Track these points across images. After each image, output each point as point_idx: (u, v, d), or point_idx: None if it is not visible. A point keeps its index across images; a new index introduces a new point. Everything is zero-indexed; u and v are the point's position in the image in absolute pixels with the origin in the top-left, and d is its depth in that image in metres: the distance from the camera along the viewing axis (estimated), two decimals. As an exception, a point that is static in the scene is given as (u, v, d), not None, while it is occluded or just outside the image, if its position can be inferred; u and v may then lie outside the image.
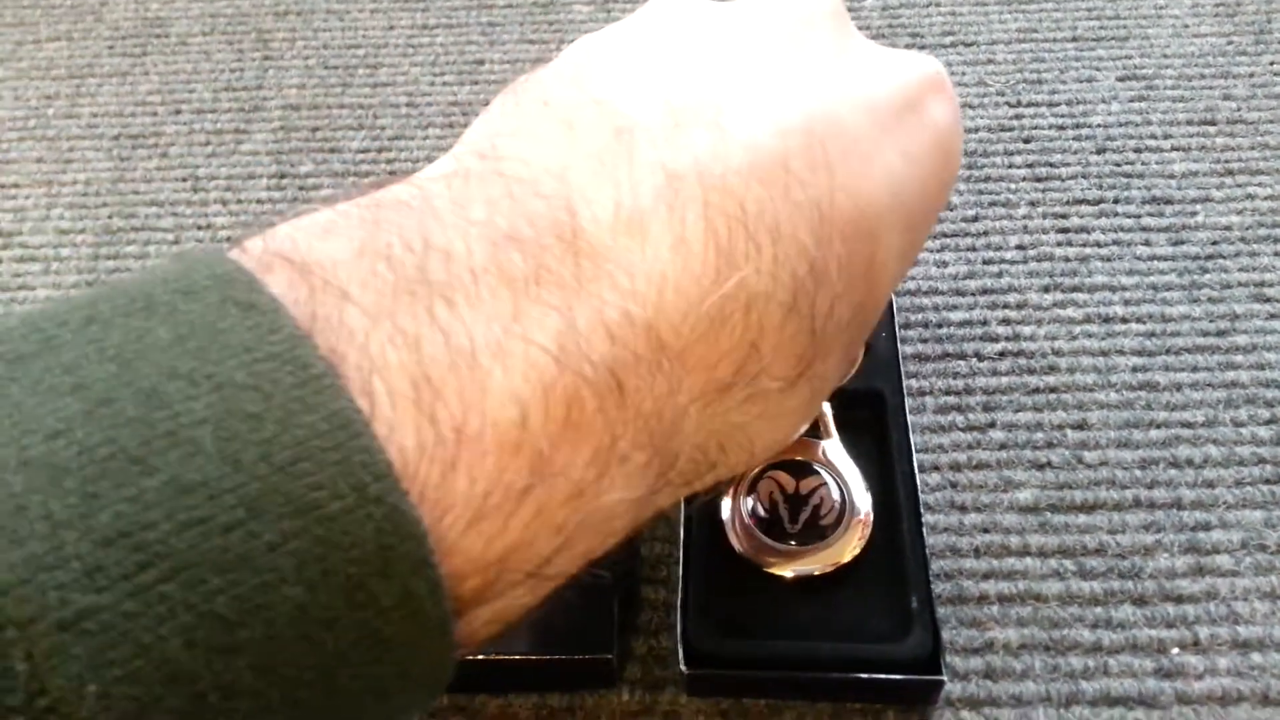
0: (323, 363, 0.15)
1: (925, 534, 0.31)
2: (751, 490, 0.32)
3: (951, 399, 0.37)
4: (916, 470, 0.32)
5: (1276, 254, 0.41)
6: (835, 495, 0.32)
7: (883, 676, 0.29)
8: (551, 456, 0.17)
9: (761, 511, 0.32)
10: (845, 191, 0.20)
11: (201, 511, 0.14)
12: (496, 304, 0.17)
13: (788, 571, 0.31)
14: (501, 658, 0.30)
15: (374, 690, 0.16)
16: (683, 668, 0.29)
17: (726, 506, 0.32)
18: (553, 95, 0.20)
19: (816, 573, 0.31)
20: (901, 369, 0.35)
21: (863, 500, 0.32)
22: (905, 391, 0.34)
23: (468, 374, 0.16)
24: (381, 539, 0.15)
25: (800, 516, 0.32)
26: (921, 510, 0.32)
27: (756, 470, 0.33)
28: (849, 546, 0.31)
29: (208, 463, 0.14)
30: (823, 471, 0.32)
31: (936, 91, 0.23)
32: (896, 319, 0.37)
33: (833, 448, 0.33)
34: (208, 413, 0.14)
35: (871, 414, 0.34)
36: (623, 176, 0.19)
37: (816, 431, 0.33)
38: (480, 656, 0.29)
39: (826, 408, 0.34)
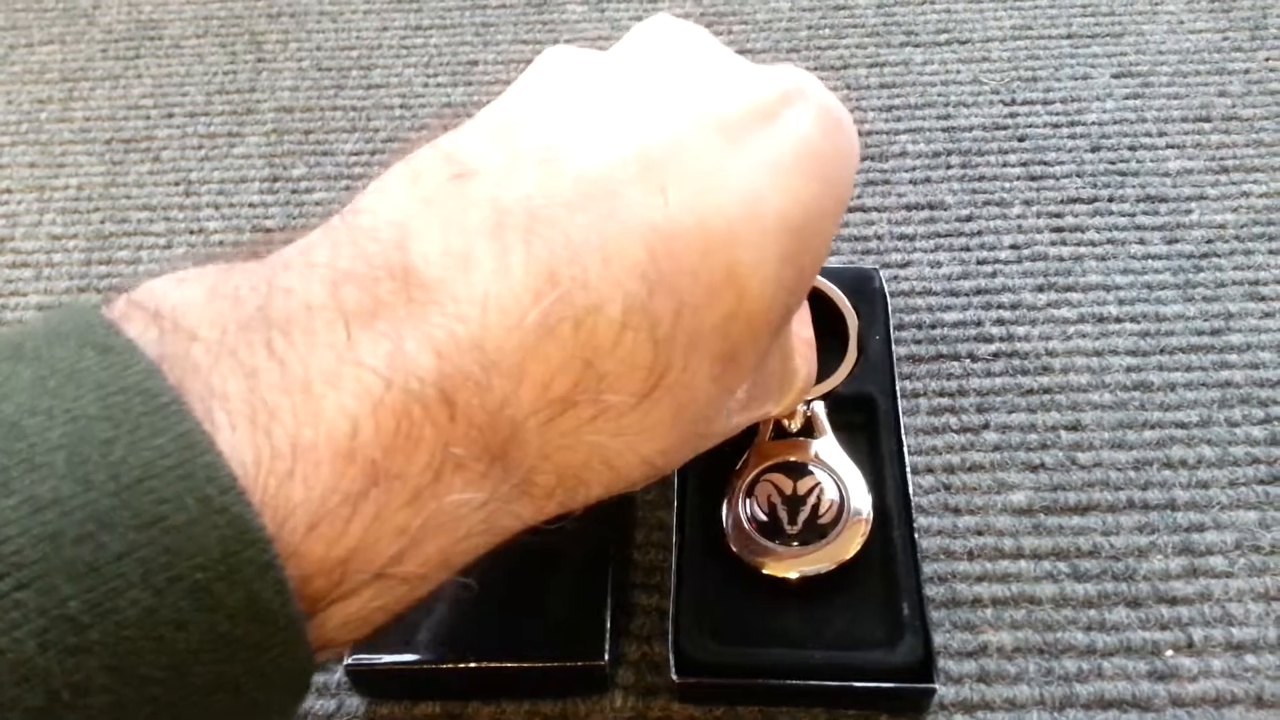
0: (170, 393, 0.17)
1: (918, 537, 0.31)
2: (750, 494, 0.32)
3: (945, 400, 0.37)
4: (909, 474, 0.32)
5: (1271, 252, 0.41)
6: (833, 493, 0.32)
7: (875, 685, 0.29)
8: (385, 465, 0.18)
9: (761, 515, 0.32)
10: (686, 207, 0.20)
11: (54, 526, 0.15)
12: (331, 334, 0.18)
13: (791, 573, 0.31)
14: (494, 665, 0.30)
15: (228, 687, 0.17)
16: (674, 676, 0.29)
17: (725, 513, 0.32)
18: (416, 155, 0.22)
19: (822, 571, 0.31)
20: (895, 373, 0.35)
21: (861, 496, 0.32)
22: (899, 395, 0.34)
23: (301, 397, 0.18)
24: (225, 545, 0.16)
25: (799, 517, 0.32)
26: (914, 514, 0.32)
27: (753, 474, 0.33)
28: (851, 543, 0.31)
29: (61, 483, 0.16)
30: (818, 471, 0.32)
31: (795, 100, 0.23)
32: (891, 321, 0.37)
33: (827, 446, 0.33)
34: (63, 440, 0.16)
35: (864, 418, 0.34)
36: (452, 216, 0.20)
37: (811, 431, 0.33)
38: (473, 664, 0.29)
39: (819, 406, 0.34)
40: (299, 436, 0.17)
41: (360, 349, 0.18)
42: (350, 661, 0.30)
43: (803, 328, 0.29)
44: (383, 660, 0.30)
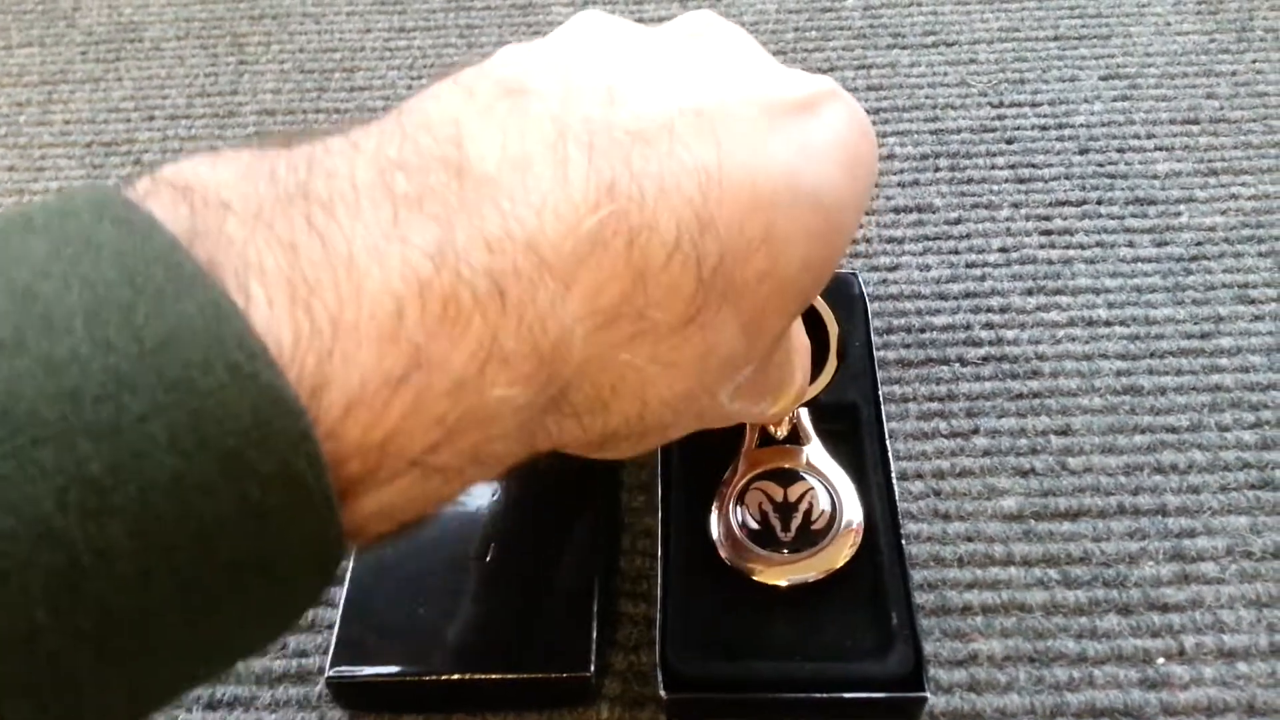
0: (194, 263, 0.16)
1: (907, 545, 0.31)
2: (740, 502, 0.32)
3: (935, 405, 0.37)
4: (895, 482, 0.32)
5: (1260, 255, 0.40)
6: (825, 500, 0.32)
7: (866, 695, 0.28)
8: (429, 349, 0.17)
9: (753, 523, 0.31)
10: (735, 162, 0.21)
11: (72, 385, 0.15)
12: (377, 213, 0.18)
13: (784, 580, 0.30)
14: (478, 676, 0.29)
15: (257, 564, 0.16)
16: (662, 693, 0.29)
17: (715, 521, 0.31)
18: (462, 76, 0.22)
19: (811, 579, 0.30)
20: (878, 379, 0.35)
21: (852, 503, 0.31)
22: (883, 401, 0.34)
23: (344, 273, 0.17)
24: (257, 414, 0.15)
25: (792, 524, 0.31)
26: (901, 522, 0.31)
27: (744, 481, 0.32)
28: (843, 550, 0.31)
29: (78, 343, 0.15)
30: (809, 477, 0.32)
31: (831, 99, 0.24)
32: (873, 324, 0.36)
33: (815, 452, 0.33)
34: (79, 304, 0.15)
35: (847, 425, 0.34)
36: (512, 125, 0.20)
37: (796, 438, 0.33)
38: (455, 676, 0.29)
39: (804, 413, 0.33)
40: (340, 315, 0.17)
41: (408, 229, 0.18)
42: (332, 674, 0.29)
43: (800, 333, 0.29)
44: (364, 672, 0.29)
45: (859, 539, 0.31)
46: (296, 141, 0.20)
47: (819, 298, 0.36)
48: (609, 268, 0.20)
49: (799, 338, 0.29)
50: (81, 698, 0.15)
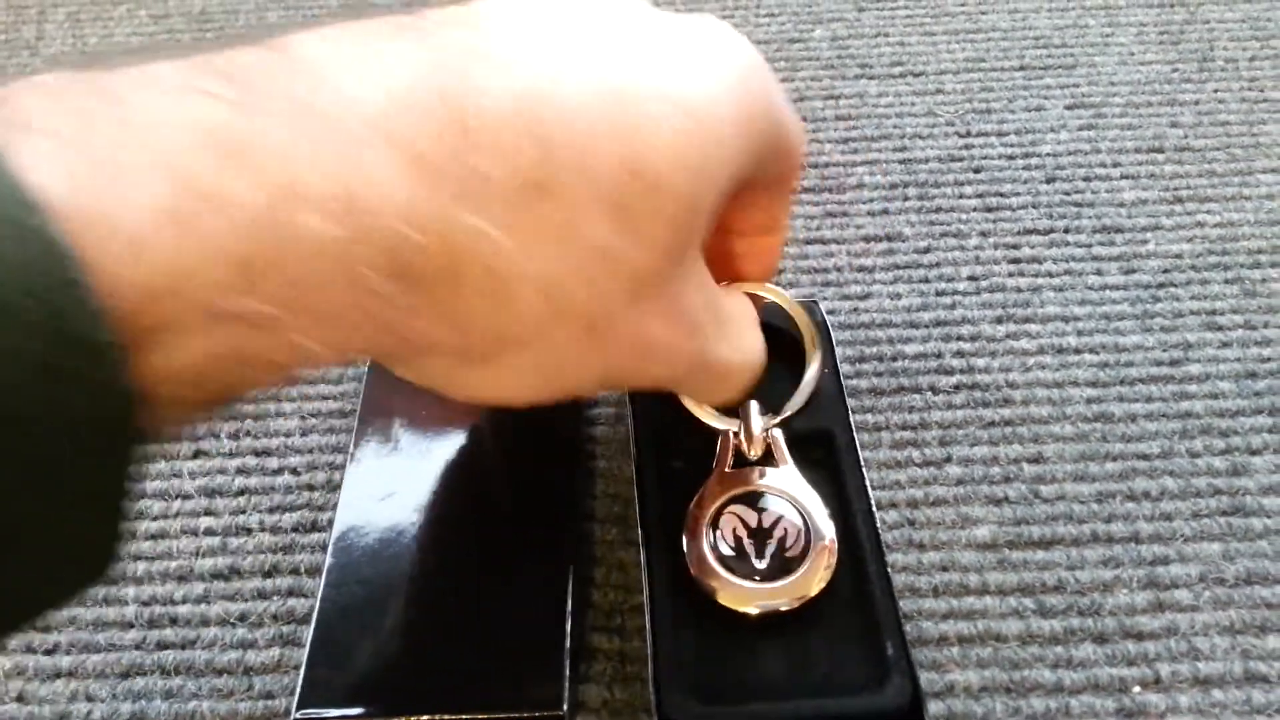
0: None
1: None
2: (714, 527, 0.31)
3: (907, 434, 0.37)
4: (875, 508, 0.32)
5: (1227, 281, 0.41)
6: (798, 524, 0.31)
7: None
8: (213, 190, 0.17)
9: (727, 549, 0.31)
10: (580, 52, 0.21)
11: None
12: (171, 79, 0.18)
13: (759, 608, 0.30)
14: (449, 716, 0.29)
15: (39, 430, 0.15)
16: None
17: (687, 548, 0.31)
18: None
19: (794, 605, 0.30)
20: (849, 406, 0.34)
21: (825, 527, 0.31)
22: (856, 427, 0.34)
23: (118, 113, 0.17)
24: (25, 254, 0.15)
25: (767, 550, 0.31)
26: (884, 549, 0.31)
27: (716, 505, 0.32)
28: (816, 577, 0.30)
29: None
30: (784, 500, 0.32)
31: (705, 21, 0.25)
32: (845, 353, 0.36)
33: (789, 474, 0.32)
34: None
35: (823, 453, 0.33)
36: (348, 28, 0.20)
37: (771, 460, 0.33)
38: (425, 716, 0.28)
39: (778, 434, 0.33)
40: (115, 156, 0.16)
41: (195, 79, 0.17)
42: (299, 715, 0.29)
43: (735, 301, 0.29)
44: (332, 714, 0.29)
45: (834, 558, 0.30)
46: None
47: (786, 296, 0.35)
48: (433, 123, 0.19)
49: (736, 305, 0.29)
50: None
